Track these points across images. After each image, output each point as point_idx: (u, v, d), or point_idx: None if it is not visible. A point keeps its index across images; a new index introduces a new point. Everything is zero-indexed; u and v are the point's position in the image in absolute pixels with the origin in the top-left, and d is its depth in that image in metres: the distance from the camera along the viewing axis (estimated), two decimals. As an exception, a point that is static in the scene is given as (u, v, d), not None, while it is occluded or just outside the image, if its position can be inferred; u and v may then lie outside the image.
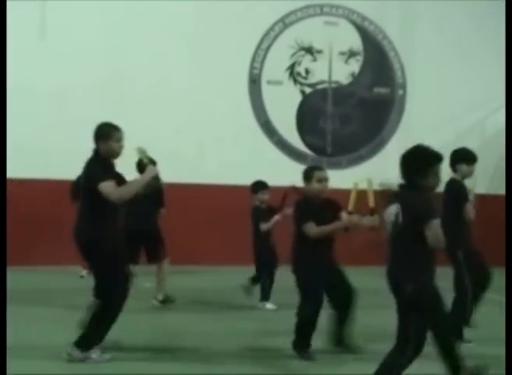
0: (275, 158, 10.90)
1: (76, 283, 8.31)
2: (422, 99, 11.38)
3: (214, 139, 10.41)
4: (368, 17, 11.41)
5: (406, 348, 3.61)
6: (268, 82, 11.03)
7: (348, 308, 4.95)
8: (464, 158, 5.32)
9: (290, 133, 11.09)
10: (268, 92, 11.00)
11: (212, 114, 10.44)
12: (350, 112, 11.40)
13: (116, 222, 4.67)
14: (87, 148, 8.87)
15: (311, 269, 4.80)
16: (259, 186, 6.95)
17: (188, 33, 10.41)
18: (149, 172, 4.55)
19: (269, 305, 6.88)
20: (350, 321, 4.95)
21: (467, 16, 11.52)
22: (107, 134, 4.65)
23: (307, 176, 4.85)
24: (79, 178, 8.82)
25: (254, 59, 10.95)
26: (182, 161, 9.73)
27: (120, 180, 4.67)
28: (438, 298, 3.74)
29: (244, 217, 9.60)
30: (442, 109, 11.27)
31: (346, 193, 4.82)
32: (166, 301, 6.77)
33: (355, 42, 11.40)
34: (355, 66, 11.42)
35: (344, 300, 4.92)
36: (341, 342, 4.97)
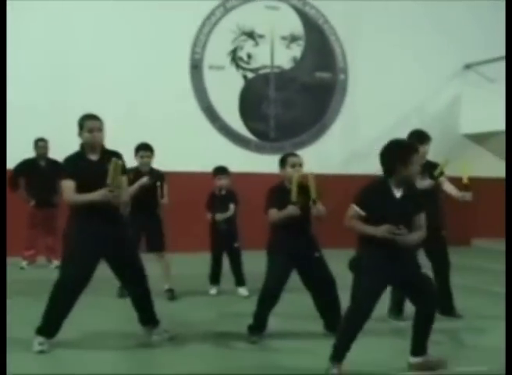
0: (219, 143, 10.86)
1: (19, 274, 8.16)
2: (364, 84, 11.52)
3: (156, 125, 10.26)
4: (309, 1, 11.44)
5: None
6: (210, 67, 10.94)
7: (324, 297, 4.98)
8: (418, 139, 5.54)
9: (233, 119, 11.06)
10: (210, 77, 10.92)
11: (154, 100, 10.29)
12: (292, 96, 11.44)
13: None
14: (26, 135, 8.78)
15: (272, 251, 4.92)
16: (215, 171, 6.97)
17: (128, 19, 10.22)
18: (99, 195, 4.46)
19: (212, 290, 6.92)
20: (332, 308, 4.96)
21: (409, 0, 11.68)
22: (79, 125, 4.71)
23: (282, 162, 5.01)
24: (17, 166, 8.71)
25: (195, 44, 10.84)
26: (124, 148, 9.53)
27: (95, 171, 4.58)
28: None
29: (188, 204, 9.52)
30: (383, 94, 11.42)
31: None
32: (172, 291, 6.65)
33: (296, 27, 11.42)
34: (297, 50, 11.45)
35: (319, 289, 4.97)
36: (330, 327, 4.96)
